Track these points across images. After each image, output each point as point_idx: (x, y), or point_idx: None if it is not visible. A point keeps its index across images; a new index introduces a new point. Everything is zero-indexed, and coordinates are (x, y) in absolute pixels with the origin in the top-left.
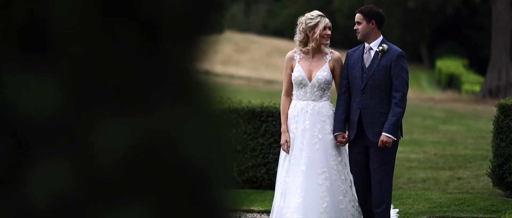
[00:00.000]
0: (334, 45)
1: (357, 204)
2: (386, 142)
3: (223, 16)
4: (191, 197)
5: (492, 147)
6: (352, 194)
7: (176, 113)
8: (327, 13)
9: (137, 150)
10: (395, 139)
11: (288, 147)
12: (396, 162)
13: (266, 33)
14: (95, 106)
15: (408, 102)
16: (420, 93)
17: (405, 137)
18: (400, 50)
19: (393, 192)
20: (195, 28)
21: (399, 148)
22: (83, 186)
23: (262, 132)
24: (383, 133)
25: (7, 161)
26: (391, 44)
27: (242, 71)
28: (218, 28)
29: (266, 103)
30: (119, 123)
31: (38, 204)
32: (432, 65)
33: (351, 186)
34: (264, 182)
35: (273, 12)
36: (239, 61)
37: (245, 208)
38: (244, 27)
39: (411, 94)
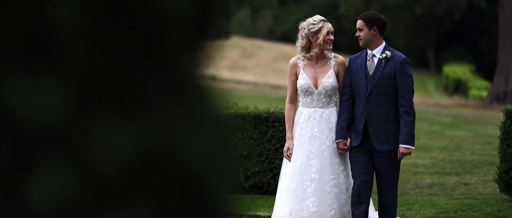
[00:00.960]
0: (340, 49)
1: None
2: (405, 153)
3: (230, 21)
4: (192, 202)
5: (499, 152)
6: (349, 206)
7: (177, 118)
8: (333, 18)
9: (138, 155)
10: (413, 148)
11: (290, 154)
12: (403, 167)
13: (272, 38)
14: (96, 112)
15: (414, 107)
16: (427, 98)
17: None
18: (403, 56)
19: (399, 198)
20: (198, 34)
21: None
22: (84, 190)
23: (269, 137)
24: (400, 145)
25: (8, 165)
26: (394, 50)
27: (249, 77)
28: (224, 34)
29: (272, 109)
30: (120, 128)
31: (39, 208)
32: (439, 70)
33: (349, 196)
34: (271, 187)
35: (280, 17)
36: (246, 66)
37: (251, 213)
38: (251, 33)
39: (418, 99)
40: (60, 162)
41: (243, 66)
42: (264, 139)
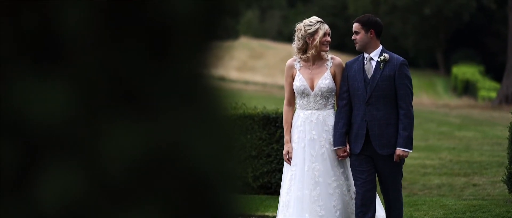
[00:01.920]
0: (346, 51)
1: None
2: (402, 156)
3: (238, 22)
4: (200, 202)
5: (507, 153)
6: (352, 207)
7: (185, 118)
8: (342, 18)
9: (146, 156)
10: (411, 151)
11: (290, 158)
12: (411, 168)
13: (281, 39)
14: (104, 113)
15: (423, 108)
16: (436, 99)
17: (421, 143)
18: (402, 58)
19: (408, 198)
20: (206, 34)
21: (414, 154)
22: (92, 190)
23: (277, 138)
24: (398, 148)
25: (18, 166)
26: (391, 52)
27: (257, 77)
28: (233, 34)
29: (281, 109)
30: (128, 128)
31: (48, 208)
32: (448, 71)
33: (352, 198)
34: (279, 187)
35: (288, 18)
36: (254, 67)
37: (259, 213)
38: (260, 33)
39: (427, 100)
40: (69, 162)
41: (252, 67)
42: (273, 139)
